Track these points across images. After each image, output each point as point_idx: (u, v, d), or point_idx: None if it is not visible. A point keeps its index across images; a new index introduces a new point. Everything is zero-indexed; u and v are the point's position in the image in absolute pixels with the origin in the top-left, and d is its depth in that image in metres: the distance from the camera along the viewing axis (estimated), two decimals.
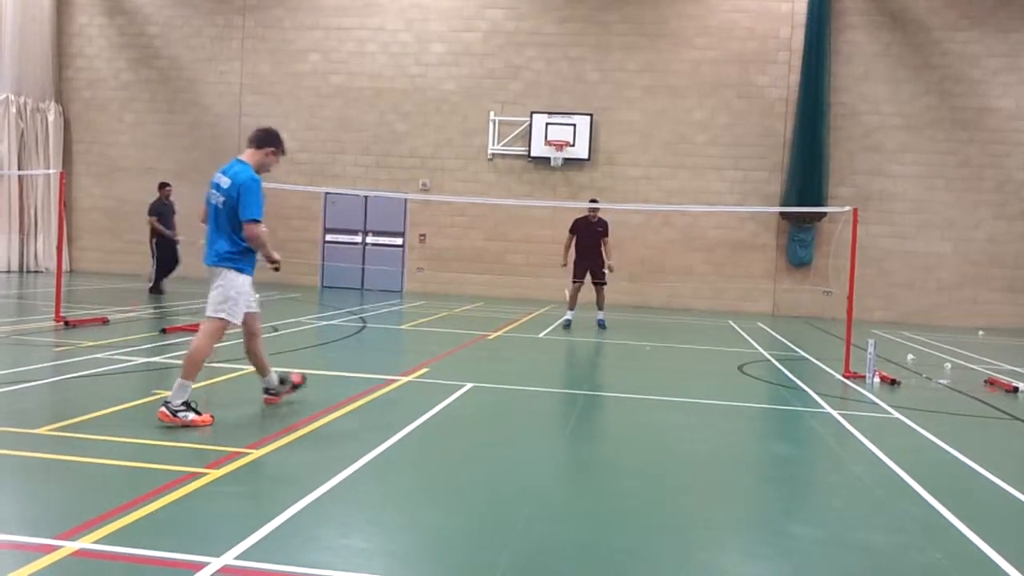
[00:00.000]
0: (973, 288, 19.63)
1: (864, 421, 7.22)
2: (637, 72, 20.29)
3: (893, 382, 9.24)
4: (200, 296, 14.85)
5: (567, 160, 20.22)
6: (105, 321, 11.15)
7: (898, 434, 6.81)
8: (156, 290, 15.82)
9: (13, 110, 20.60)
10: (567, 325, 13.72)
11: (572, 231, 13.95)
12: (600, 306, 13.99)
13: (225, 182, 5.95)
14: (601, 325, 13.91)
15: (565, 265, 14.23)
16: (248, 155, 6.18)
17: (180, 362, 8.26)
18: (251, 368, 8.10)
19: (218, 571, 3.31)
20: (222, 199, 5.92)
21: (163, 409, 5.70)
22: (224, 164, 6.27)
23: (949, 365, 11.05)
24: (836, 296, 17.82)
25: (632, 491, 5.00)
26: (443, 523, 4.15)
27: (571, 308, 14.01)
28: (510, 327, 13.66)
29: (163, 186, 16.35)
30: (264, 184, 6.14)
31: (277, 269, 6.19)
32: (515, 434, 5.89)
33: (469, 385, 7.83)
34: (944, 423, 7.35)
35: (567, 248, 14.06)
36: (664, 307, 19.79)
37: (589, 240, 13.76)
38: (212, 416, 5.81)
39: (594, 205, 14.17)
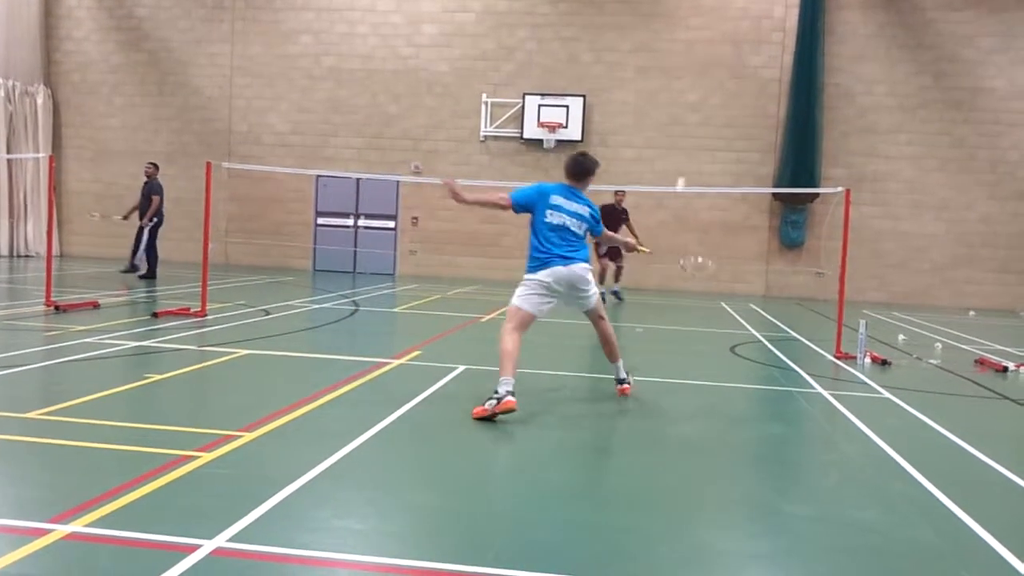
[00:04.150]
0: (966, 269, 19.69)
1: (855, 401, 7.25)
2: (630, 52, 20.20)
3: (884, 362, 9.28)
4: (186, 280, 14.77)
5: (560, 142, 20.15)
6: (96, 305, 11.10)
7: (889, 414, 6.84)
8: (151, 274, 15.65)
9: (1, 94, 20.42)
10: (619, 296, 15.54)
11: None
12: (617, 279, 15.62)
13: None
14: (619, 296, 15.57)
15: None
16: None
17: (172, 346, 8.26)
18: (243, 351, 8.09)
19: (210, 553, 3.31)
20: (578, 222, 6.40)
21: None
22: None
23: (939, 345, 11.09)
24: (828, 277, 17.86)
25: (625, 471, 5.01)
26: (438, 504, 4.16)
27: (616, 280, 15.63)
28: (503, 309, 13.64)
29: (157, 167, 16.15)
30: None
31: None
32: (508, 416, 5.90)
33: (462, 367, 7.84)
34: (934, 403, 7.39)
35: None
36: (656, 289, 19.80)
37: (613, 226, 14.11)
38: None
39: (620, 188, 15.83)
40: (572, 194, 6.41)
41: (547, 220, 6.24)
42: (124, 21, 21.77)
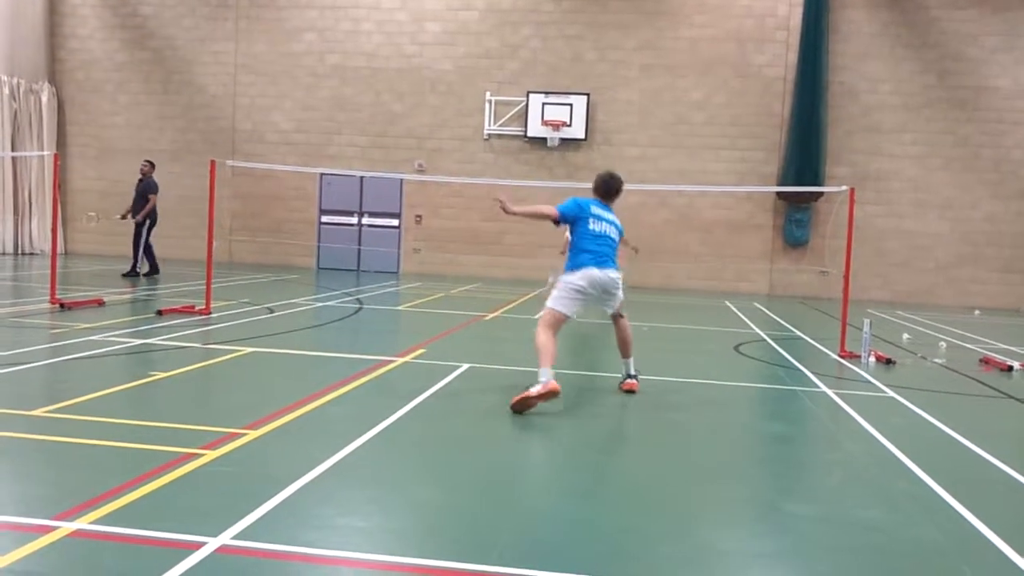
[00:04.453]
0: (970, 268, 19.65)
1: (859, 400, 7.24)
2: (634, 51, 20.18)
3: (888, 361, 9.27)
4: (190, 278, 14.81)
5: (564, 140, 20.16)
6: (101, 303, 11.12)
7: (893, 413, 6.83)
8: (154, 270, 15.66)
9: (6, 91, 20.46)
10: None
11: None
12: None
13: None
14: None
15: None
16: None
17: (176, 344, 8.27)
18: (247, 349, 8.11)
19: (215, 551, 3.32)
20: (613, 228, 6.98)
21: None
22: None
23: (944, 344, 11.07)
24: (832, 276, 17.84)
25: (629, 470, 5.01)
26: (442, 502, 4.17)
27: None
28: (507, 308, 13.67)
29: (153, 164, 16.17)
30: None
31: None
32: (511, 415, 5.90)
33: (466, 365, 7.84)
34: (939, 402, 7.38)
35: None
36: (661, 287, 19.79)
37: None
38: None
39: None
40: (605, 208, 7.01)
41: (591, 228, 6.79)
42: (128, 19, 21.81)
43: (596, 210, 6.88)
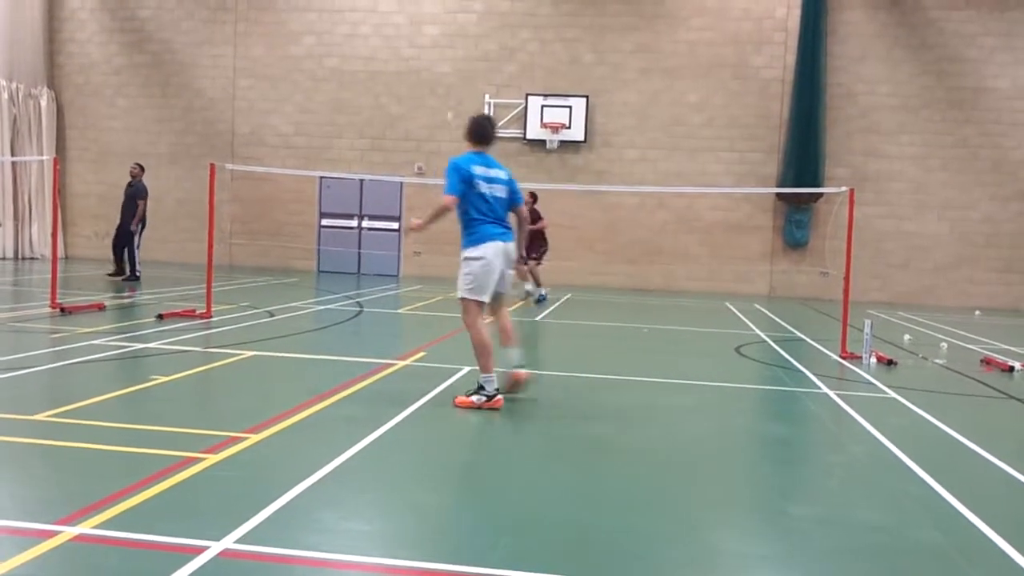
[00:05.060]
0: (969, 268, 19.66)
1: (861, 401, 7.24)
2: (632, 53, 20.19)
3: (889, 362, 9.27)
4: (191, 282, 14.80)
5: (563, 142, 20.16)
6: (101, 307, 11.12)
7: (895, 414, 6.83)
8: (135, 276, 15.61)
9: (5, 96, 20.46)
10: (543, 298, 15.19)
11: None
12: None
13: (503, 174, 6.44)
14: (543, 298, 15.27)
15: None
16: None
17: (177, 348, 8.27)
18: (248, 353, 8.11)
19: (218, 555, 3.32)
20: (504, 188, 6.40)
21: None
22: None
23: (945, 345, 11.07)
24: (833, 277, 17.85)
25: (631, 472, 5.01)
26: (444, 505, 4.16)
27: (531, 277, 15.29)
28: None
29: (142, 168, 16.27)
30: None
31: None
32: (514, 417, 5.90)
33: (467, 368, 7.83)
34: (940, 402, 7.38)
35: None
36: (660, 289, 19.80)
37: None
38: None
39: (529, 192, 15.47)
40: (488, 161, 6.42)
41: (481, 191, 6.25)
42: (127, 23, 21.81)
43: (480, 169, 6.26)
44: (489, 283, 6.26)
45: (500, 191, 6.37)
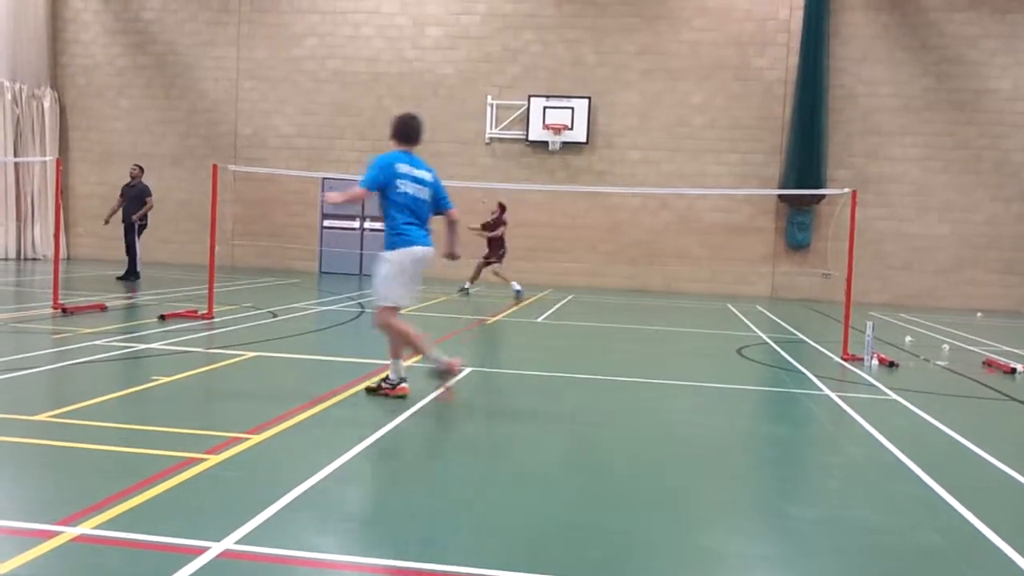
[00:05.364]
0: (971, 270, 19.64)
1: (862, 403, 7.24)
2: (635, 54, 20.20)
3: (891, 364, 9.26)
4: (193, 283, 14.79)
5: (565, 144, 20.17)
6: (103, 308, 11.14)
7: (896, 415, 6.83)
8: (135, 273, 15.61)
9: (8, 97, 20.50)
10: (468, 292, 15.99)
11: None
12: (479, 276, 16.20)
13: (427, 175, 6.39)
14: (467, 292, 16.06)
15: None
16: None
17: (179, 348, 8.28)
18: (250, 354, 8.12)
19: (218, 555, 3.32)
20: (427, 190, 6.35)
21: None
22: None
23: (947, 347, 11.07)
24: (835, 279, 17.84)
25: (632, 473, 5.01)
26: (444, 506, 4.17)
27: (477, 277, 16.15)
28: (508, 311, 13.67)
29: (142, 169, 16.30)
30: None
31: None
32: (515, 418, 5.90)
33: (468, 369, 7.83)
34: (942, 404, 7.37)
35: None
36: (662, 290, 19.79)
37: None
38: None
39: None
40: (415, 161, 6.38)
41: (403, 191, 6.21)
42: (130, 24, 21.85)
43: (404, 168, 6.18)
44: (404, 290, 6.26)
45: (424, 193, 6.32)
